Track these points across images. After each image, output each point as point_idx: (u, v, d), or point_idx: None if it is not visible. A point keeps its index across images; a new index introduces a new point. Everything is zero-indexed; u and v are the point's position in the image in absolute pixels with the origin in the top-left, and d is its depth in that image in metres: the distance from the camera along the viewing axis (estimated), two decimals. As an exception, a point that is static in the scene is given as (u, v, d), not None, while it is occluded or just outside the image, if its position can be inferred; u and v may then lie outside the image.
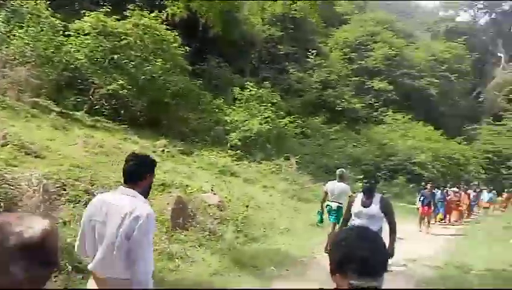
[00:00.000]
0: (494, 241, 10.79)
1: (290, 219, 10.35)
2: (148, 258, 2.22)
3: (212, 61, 20.54)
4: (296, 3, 23.14)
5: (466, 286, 6.40)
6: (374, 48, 29.71)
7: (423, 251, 8.74)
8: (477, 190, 19.06)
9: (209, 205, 8.44)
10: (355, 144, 22.77)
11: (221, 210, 8.56)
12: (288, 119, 18.69)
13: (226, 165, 13.27)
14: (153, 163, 2.52)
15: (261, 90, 18.71)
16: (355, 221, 5.12)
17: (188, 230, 7.11)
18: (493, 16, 42.53)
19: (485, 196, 18.00)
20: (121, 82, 13.38)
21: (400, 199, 18.01)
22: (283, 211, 11.01)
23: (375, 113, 27.80)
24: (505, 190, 21.02)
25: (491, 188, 19.04)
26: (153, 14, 15.06)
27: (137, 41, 14.87)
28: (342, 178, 7.75)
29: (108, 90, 13.44)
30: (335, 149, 21.48)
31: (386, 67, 29.05)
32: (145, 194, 2.43)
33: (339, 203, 7.51)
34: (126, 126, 13.35)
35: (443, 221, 15.03)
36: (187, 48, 16.72)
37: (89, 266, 2.37)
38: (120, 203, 2.26)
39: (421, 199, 12.71)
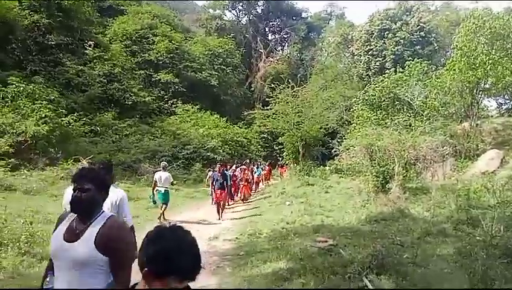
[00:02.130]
0: (276, 207, 13.01)
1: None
2: None
3: (-48, 51, 15.83)
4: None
5: (258, 248, 7.43)
6: (155, 41, 29.87)
7: (221, 229, 9.64)
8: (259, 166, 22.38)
9: (-26, 232, 6.61)
10: (150, 137, 22.53)
11: (-7, 234, 6.84)
12: (72, 117, 16.65)
13: (-4, 179, 10.67)
14: None
15: (31, 86, 15.88)
16: None
17: None
18: (251, 17, 50.01)
19: (255, 171, 20.40)
20: None
21: (199, 183, 19.10)
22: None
23: (165, 106, 28.26)
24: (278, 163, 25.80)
25: (258, 163, 22.49)
26: None
27: None
28: (165, 169, 10.14)
29: None
30: (130, 144, 20.64)
31: (170, 60, 29.81)
32: None
33: (166, 187, 9.85)
34: None
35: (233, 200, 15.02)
36: None
37: None
38: None
39: (214, 183, 11.50)
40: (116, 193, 3.82)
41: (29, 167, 12.97)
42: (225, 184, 11.33)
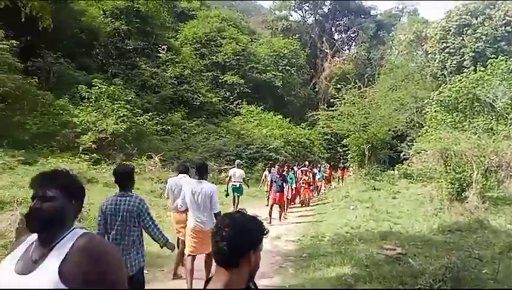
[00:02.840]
0: (339, 210, 12.66)
1: (158, 218, 9.84)
2: None
3: (48, 56, 17.83)
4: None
5: (321, 251, 7.27)
6: (222, 43, 30.85)
7: (284, 230, 9.63)
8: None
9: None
10: (216, 136, 23.31)
11: (80, 221, 7.54)
12: (146, 116, 17.82)
13: (81, 172, 11.77)
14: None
15: (111, 87, 17.29)
16: None
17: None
18: (317, 17, 49.40)
19: (317, 174, 19.27)
20: None
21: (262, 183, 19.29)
22: (151, 211, 10.38)
23: (231, 106, 29.03)
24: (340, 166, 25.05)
25: (319, 167, 21.53)
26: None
27: None
28: (239, 166, 11.70)
29: None
30: (198, 143, 21.55)
31: (236, 62, 30.57)
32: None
33: (240, 182, 11.21)
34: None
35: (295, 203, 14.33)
36: (14, 41, 14.10)
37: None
38: None
39: (277, 183, 10.72)
40: (209, 186, 5.11)
41: (109, 162, 14.12)
42: (284, 186, 10.72)
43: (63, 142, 14.01)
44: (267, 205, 11.50)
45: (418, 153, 16.12)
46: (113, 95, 17.01)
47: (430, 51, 34.28)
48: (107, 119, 15.12)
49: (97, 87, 16.68)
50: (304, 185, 14.67)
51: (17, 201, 7.33)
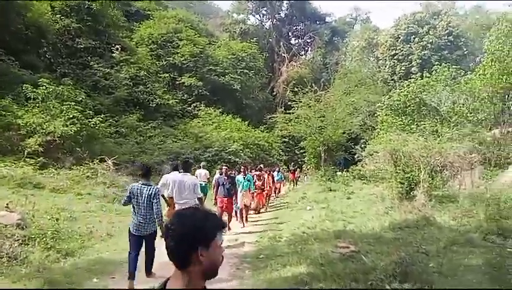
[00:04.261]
0: (296, 211, 12.88)
1: (111, 223, 9.47)
2: None
3: (-11, 54, 16.57)
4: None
5: (279, 252, 7.36)
6: (179, 44, 30.35)
7: (241, 232, 9.69)
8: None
9: (6, 226, 6.88)
10: (173, 139, 22.83)
11: (23, 229, 7.10)
12: (99, 118, 17.06)
13: (25, 177, 11.05)
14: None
15: (60, 87, 16.40)
16: None
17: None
18: (274, 21, 50.13)
19: (276, 176, 19.14)
20: None
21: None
22: (103, 217, 9.98)
23: (189, 108, 28.59)
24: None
25: (277, 169, 21.50)
26: None
27: None
28: (203, 167, 13.19)
29: None
30: (154, 146, 20.97)
31: (194, 64, 30.18)
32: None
33: (205, 181, 12.27)
34: None
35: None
36: None
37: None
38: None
39: (225, 187, 9.49)
40: (192, 177, 7.47)
41: (57, 166, 13.37)
42: (231, 191, 9.61)
43: (6, 145, 13.05)
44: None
45: (371, 154, 16.76)
46: (62, 96, 16.11)
47: (381, 57, 36.04)
48: (55, 121, 14.28)
49: (44, 87, 15.71)
50: (256, 190, 12.97)
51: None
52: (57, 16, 21.97)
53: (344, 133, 24.79)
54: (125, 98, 23.49)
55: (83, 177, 13.17)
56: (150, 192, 5.54)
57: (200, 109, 28.59)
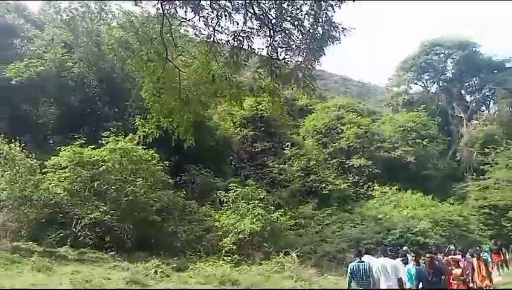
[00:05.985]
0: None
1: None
2: None
3: (192, 169, 20.59)
4: (260, 104, 24.92)
5: None
6: (343, 129, 31.09)
7: None
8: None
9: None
10: (351, 224, 22.15)
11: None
12: (279, 212, 18.26)
13: (225, 275, 12.31)
14: None
15: (245, 189, 18.59)
16: None
17: None
18: (440, 83, 46.54)
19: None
20: (103, 208, 13.01)
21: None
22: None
23: (362, 190, 27.82)
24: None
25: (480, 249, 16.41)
26: (128, 137, 15.42)
27: (116, 165, 14.92)
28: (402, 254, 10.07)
29: (91, 219, 12.98)
30: (332, 233, 20.73)
31: (360, 144, 30.07)
32: None
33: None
34: (114, 252, 12.56)
35: None
36: (166, 162, 16.86)
37: None
38: None
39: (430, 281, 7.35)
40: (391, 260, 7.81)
41: (249, 262, 14.51)
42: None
43: (208, 246, 15.16)
44: None
45: None
46: (248, 196, 18.16)
47: None
48: (244, 220, 15.99)
49: (233, 190, 18.15)
50: (454, 281, 9.55)
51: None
52: (237, 128, 26.22)
53: None
54: (299, 189, 24.82)
55: (271, 272, 13.78)
56: None
57: (374, 189, 27.49)
